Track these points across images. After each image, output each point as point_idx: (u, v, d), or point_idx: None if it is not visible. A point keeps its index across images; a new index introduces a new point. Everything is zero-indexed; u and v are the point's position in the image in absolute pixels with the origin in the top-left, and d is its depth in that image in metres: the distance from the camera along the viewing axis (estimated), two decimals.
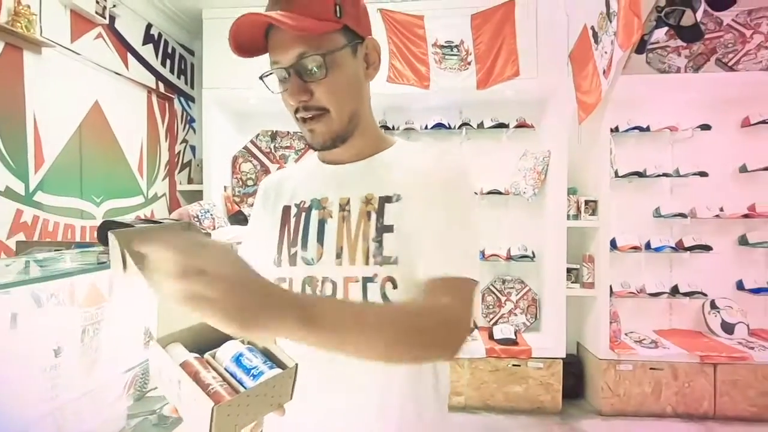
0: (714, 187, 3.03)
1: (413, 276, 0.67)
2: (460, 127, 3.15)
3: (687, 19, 2.28)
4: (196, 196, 3.12)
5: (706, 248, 2.92)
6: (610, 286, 2.89)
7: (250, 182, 2.47)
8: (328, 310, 0.50)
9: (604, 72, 2.40)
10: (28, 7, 1.98)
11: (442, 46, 2.90)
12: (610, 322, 2.81)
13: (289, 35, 0.66)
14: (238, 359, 0.59)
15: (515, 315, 3.14)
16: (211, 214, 1.61)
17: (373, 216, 0.71)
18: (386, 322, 0.55)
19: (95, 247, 1.06)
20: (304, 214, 0.76)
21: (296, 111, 0.70)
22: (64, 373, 0.88)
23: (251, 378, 0.57)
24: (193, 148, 3.46)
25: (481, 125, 3.15)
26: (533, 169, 2.99)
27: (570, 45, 2.81)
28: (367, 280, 0.69)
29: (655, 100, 3.07)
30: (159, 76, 3.04)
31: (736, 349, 2.74)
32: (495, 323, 3.13)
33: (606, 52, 2.35)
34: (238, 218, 1.94)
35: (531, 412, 2.82)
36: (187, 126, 3.41)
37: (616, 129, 2.99)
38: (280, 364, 0.60)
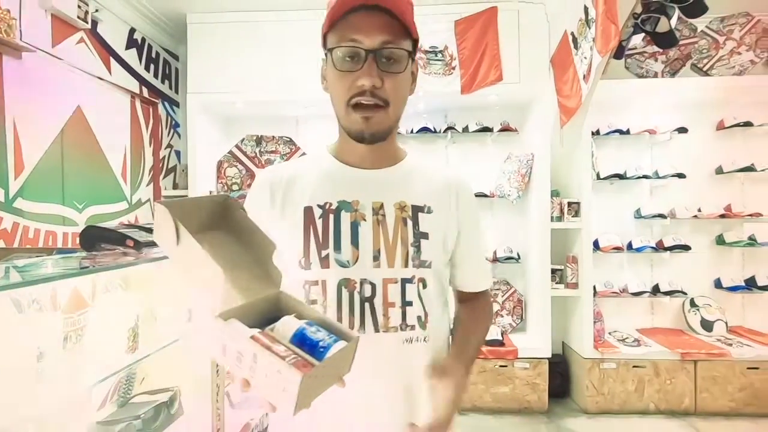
0: (692, 189, 3.12)
1: (439, 277, 0.81)
2: (445, 131, 3.19)
3: (662, 26, 2.36)
4: None
5: (685, 248, 2.99)
6: (594, 286, 2.94)
7: (235, 187, 2.46)
8: (470, 359, 0.81)
9: (584, 77, 2.46)
10: (8, 11, 1.96)
11: (427, 52, 2.93)
12: (594, 322, 2.86)
13: (382, 20, 0.70)
14: (302, 333, 0.59)
15: (501, 316, 3.17)
16: None
17: (409, 223, 0.77)
18: (485, 332, 0.89)
19: (77, 253, 1.05)
20: (332, 216, 0.76)
21: (356, 95, 0.72)
22: (46, 379, 0.87)
23: (320, 351, 0.57)
24: (178, 153, 3.43)
25: (466, 129, 3.19)
26: (517, 171, 3.04)
27: (551, 50, 2.87)
28: (405, 282, 0.76)
29: (634, 104, 3.15)
30: (143, 81, 3.02)
31: (715, 346, 2.81)
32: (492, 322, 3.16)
33: (585, 58, 2.41)
34: None
35: (518, 412, 2.85)
36: (172, 131, 3.39)
37: (598, 132, 3.06)
38: (342, 336, 0.60)
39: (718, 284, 3.12)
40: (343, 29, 0.71)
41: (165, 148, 3.29)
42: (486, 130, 3.15)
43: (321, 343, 0.57)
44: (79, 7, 2.37)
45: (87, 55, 2.53)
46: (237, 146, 2.53)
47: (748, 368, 2.72)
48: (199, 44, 3.00)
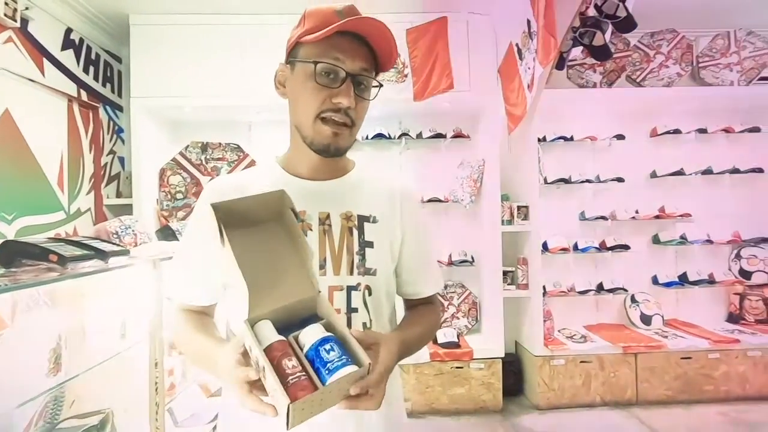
0: (630, 192, 3.33)
1: (385, 284, 0.83)
2: (400, 137, 3.23)
3: (598, 40, 2.50)
4: (125, 210, 2.94)
5: (625, 247, 3.18)
6: (543, 287, 3.06)
7: (179, 195, 2.37)
8: (412, 341, 0.80)
9: (528, 86, 2.57)
10: None
11: None
12: (544, 321, 2.98)
13: (363, 49, 0.76)
14: (317, 349, 0.61)
15: (457, 318, 3.24)
16: (133, 230, 1.53)
17: (355, 232, 0.80)
18: (429, 330, 0.89)
19: None
20: None
21: (330, 111, 0.74)
22: None
23: (327, 372, 0.59)
24: (121, 160, 3.27)
25: (420, 135, 3.25)
26: (470, 177, 3.12)
27: (498, 60, 2.98)
28: (351, 289, 0.79)
29: (576, 113, 3.33)
30: (81, 84, 2.85)
31: (653, 338, 3.00)
32: (438, 327, 3.21)
33: (529, 68, 2.52)
34: (166, 233, 1.86)
35: (474, 412, 2.91)
36: (115, 136, 3.22)
37: (544, 138, 3.20)
38: (354, 358, 0.62)
39: (655, 281, 3.34)
40: (327, 46, 0.74)
41: (107, 155, 3.12)
42: (439, 136, 3.21)
43: (329, 365, 0.59)
44: (6, 4, 2.21)
45: (16, 55, 2.36)
46: (181, 153, 2.45)
47: (682, 358, 2.92)
48: (143, 46, 2.88)
